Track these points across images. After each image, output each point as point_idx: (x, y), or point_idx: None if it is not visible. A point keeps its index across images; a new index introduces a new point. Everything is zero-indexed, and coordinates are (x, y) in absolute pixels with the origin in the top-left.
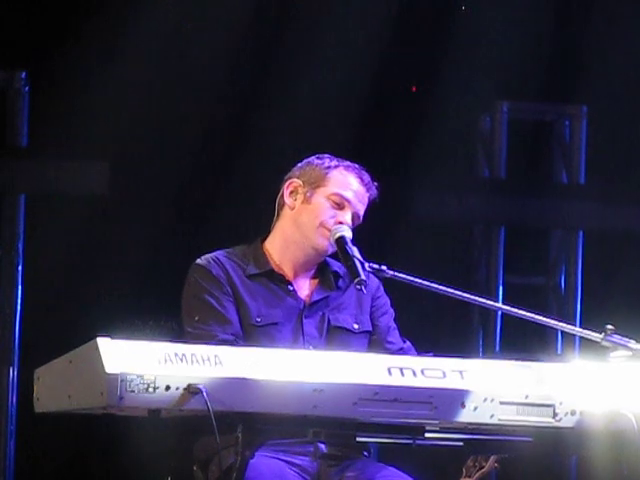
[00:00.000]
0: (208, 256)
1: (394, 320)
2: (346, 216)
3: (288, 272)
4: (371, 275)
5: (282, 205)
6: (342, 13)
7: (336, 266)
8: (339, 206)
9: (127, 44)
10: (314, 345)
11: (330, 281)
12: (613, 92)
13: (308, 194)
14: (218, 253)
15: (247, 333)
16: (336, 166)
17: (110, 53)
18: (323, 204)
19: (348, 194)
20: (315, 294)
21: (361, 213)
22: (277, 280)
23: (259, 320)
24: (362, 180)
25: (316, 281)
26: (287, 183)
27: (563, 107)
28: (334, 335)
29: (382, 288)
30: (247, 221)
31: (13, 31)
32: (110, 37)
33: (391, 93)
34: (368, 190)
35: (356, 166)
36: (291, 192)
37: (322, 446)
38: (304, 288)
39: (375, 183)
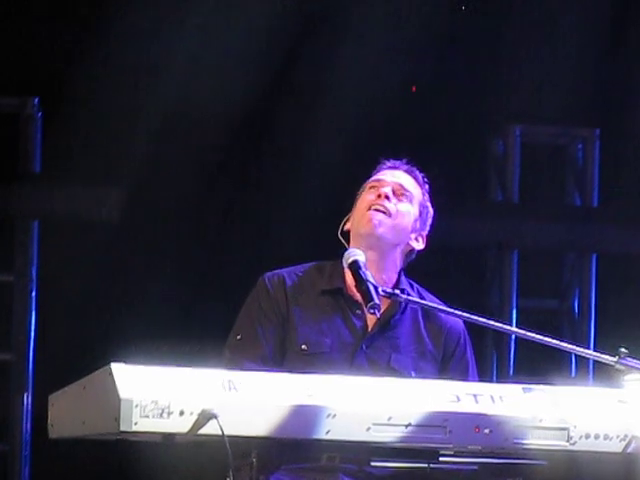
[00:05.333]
0: (278, 270)
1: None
2: (381, 189)
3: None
4: (451, 318)
5: None
6: (350, 26)
7: (412, 293)
8: (375, 189)
9: (140, 70)
10: None
11: (396, 308)
12: (625, 115)
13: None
14: (297, 267)
15: (294, 359)
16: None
17: (123, 78)
18: (364, 196)
19: (378, 175)
20: (379, 324)
21: (400, 183)
22: (346, 300)
23: (305, 348)
24: (390, 164)
25: (387, 302)
26: None
27: (576, 130)
28: (387, 376)
29: (463, 338)
30: (264, 249)
31: (25, 57)
32: (122, 63)
33: (404, 117)
34: (397, 167)
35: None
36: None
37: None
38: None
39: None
